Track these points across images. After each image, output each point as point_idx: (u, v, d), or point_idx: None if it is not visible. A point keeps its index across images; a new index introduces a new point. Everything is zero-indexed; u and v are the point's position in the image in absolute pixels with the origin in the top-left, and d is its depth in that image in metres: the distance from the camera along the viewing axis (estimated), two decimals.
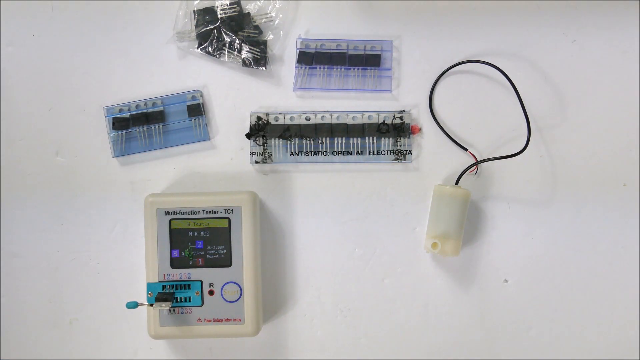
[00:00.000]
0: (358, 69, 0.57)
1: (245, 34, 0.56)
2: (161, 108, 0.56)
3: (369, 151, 0.57)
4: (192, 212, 0.52)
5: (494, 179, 0.57)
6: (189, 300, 0.52)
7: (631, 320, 0.58)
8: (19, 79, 0.57)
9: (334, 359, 0.57)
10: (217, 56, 0.56)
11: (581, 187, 0.57)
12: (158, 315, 0.52)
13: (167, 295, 0.51)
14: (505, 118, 0.57)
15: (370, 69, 0.57)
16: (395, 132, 0.57)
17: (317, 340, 0.57)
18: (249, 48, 0.56)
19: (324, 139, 0.57)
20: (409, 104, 0.57)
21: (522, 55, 0.57)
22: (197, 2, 0.57)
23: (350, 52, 0.57)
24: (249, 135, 0.57)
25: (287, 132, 0.57)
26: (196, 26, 0.56)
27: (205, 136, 0.57)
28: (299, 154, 0.57)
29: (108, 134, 0.57)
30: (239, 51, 0.56)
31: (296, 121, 0.57)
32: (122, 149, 0.57)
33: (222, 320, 0.52)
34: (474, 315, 0.57)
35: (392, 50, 0.57)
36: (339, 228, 0.57)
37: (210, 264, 0.52)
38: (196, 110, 0.56)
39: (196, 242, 0.52)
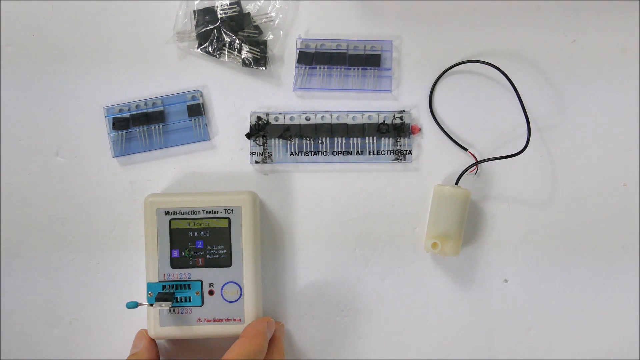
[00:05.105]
0: (358, 69, 0.57)
1: (245, 34, 0.56)
2: (161, 108, 0.56)
3: (369, 151, 0.57)
4: (192, 212, 0.52)
5: (494, 179, 0.57)
6: (189, 300, 0.52)
7: (631, 320, 0.58)
8: (19, 79, 0.57)
9: (334, 359, 0.57)
10: (217, 56, 0.56)
11: (581, 187, 0.57)
12: (158, 315, 0.52)
13: (167, 295, 0.51)
14: (505, 118, 0.57)
15: (370, 69, 0.57)
16: (395, 132, 0.57)
17: (317, 340, 0.57)
18: (249, 48, 0.56)
19: (324, 139, 0.57)
20: (409, 104, 0.58)
21: (522, 55, 0.57)
22: (197, 2, 0.57)
23: (350, 52, 0.57)
24: (249, 135, 0.57)
25: (287, 132, 0.57)
26: (196, 26, 0.56)
27: (205, 136, 0.57)
28: (299, 154, 0.57)
29: (108, 134, 0.57)
30: (239, 51, 0.56)
31: (296, 121, 0.57)
32: (122, 149, 0.57)
33: (222, 320, 0.52)
34: (474, 315, 0.57)
35: (392, 50, 0.57)
36: (339, 228, 0.57)
37: (210, 264, 0.52)
38: (196, 110, 0.56)
39: (196, 242, 0.52)
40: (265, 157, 0.57)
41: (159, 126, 0.56)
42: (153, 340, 0.53)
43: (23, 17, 0.57)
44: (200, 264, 0.52)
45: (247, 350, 0.48)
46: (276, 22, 0.57)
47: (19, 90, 0.57)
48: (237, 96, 0.57)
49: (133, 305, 0.50)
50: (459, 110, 0.57)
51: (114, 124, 0.56)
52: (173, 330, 0.52)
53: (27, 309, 0.57)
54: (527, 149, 0.55)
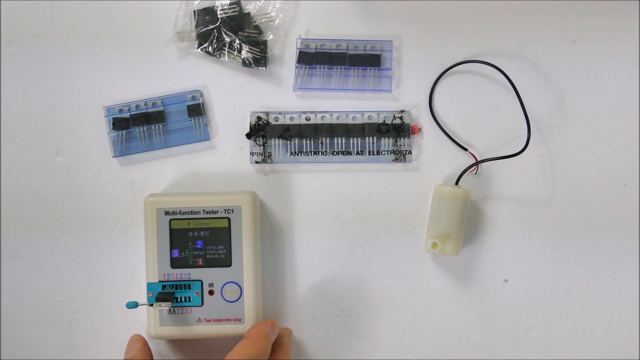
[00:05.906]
0: (358, 69, 0.57)
1: (245, 34, 0.56)
2: (161, 108, 0.56)
3: (369, 151, 0.57)
4: (192, 212, 0.52)
5: (494, 179, 0.57)
6: (189, 300, 0.52)
7: (631, 320, 0.58)
8: (19, 79, 0.57)
9: (334, 359, 0.57)
10: (217, 56, 0.56)
11: (581, 187, 0.57)
12: (158, 315, 0.52)
13: (167, 295, 0.51)
14: (505, 118, 0.57)
15: (370, 69, 0.57)
16: (395, 132, 0.57)
17: (317, 340, 0.57)
18: (249, 48, 0.56)
19: (324, 139, 0.57)
20: (409, 104, 0.58)
21: (522, 55, 0.57)
22: (197, 2, 0.57)
23: (350, 52, 0.57)
24: (249, 135, 0.57)
25: (287, 132, 0.57)
26: (196, 26, 0.56)
27: (205, 136, 0.57)
28: (299, 154, 0.57)
29: (108, 134, 0.57)
30: (239, 51, 0.56)
31: (296, 121, 0.57)
32: (122, 149, 0.57)
33: (222, 320, 0.52)
34: (474, 315, 0.57)
35: (392, 50, 0.57)
36: (339, 228, 0.57)
37: (210, 264, 0.52)
38: (196, 110, 0.56)
39: (196, 242, 0.52)
40: (265, 157, 0.57)
41: (159, 126, 0.56)
42: (147, 344, 0.53)
43: (23, 17, 0.57)
44: (200, 264, 0.52)
45: (250, 351, 0.48)
46: (276, 22, 0.57)
47: (19, 91, 0.57)
48: (237, 96, 0.57)
49: (133, 305, 0.50)
50: (459, 110, 0.57)
51: (114, 124, 0.56)
52: (173, 330, 0.52)
53: (27, 309, 0.57)
54: (527, 149, 0.55)
